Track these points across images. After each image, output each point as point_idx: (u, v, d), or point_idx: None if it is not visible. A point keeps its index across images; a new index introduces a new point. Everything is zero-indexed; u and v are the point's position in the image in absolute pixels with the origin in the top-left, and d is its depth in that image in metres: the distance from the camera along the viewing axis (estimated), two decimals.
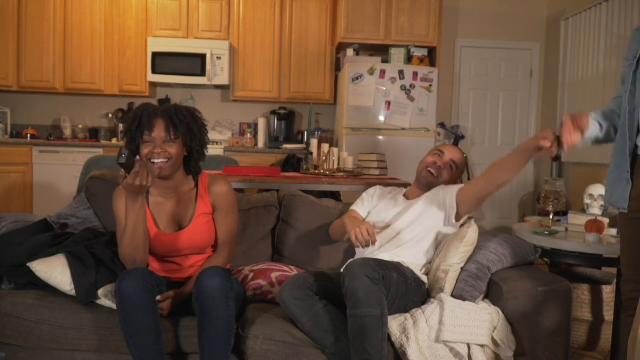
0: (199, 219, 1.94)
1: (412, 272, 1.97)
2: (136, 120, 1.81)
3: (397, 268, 1.89)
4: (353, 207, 2.30)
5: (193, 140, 1.87)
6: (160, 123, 1.80)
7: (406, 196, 2.24)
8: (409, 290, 1.90)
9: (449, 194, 2.08)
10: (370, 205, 2.27)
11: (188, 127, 1.85)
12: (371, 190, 2.34)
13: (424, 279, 2.01)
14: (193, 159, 1.91)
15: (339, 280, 1.93)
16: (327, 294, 1.86)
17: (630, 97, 1.76)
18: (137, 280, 1.66)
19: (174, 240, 1.91)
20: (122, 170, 1.68)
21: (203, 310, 1.67)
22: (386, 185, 3.06)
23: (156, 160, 1.80)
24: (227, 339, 1.69)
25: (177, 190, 1.95)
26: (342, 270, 1.93)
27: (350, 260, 1.88)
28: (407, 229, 2.09)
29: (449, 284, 1.95)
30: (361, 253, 2.14)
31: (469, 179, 5.55)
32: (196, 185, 1.99)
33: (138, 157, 1.67)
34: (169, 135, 1.80)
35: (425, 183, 2.18)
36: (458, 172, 2.22)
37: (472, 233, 1.96)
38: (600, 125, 1.89)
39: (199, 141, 1.89)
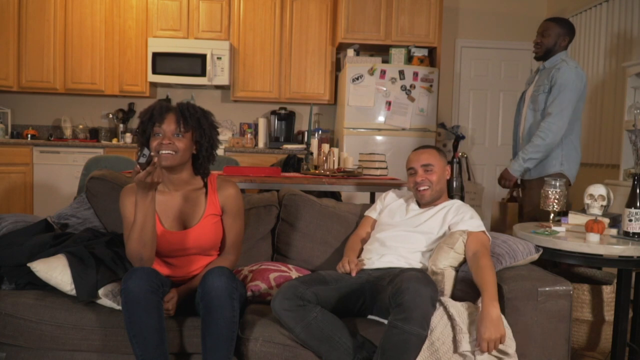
0: (208, 219, 1.95)
1: None
2: (148, 113, 1.87)
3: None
4: (366, 213, 2.34)
5: (202, 136, 1.90)
6: (171, 117, 1.86)
7: (419, 203, 2.23)
8: None
9: (459, 225, 2.04)
10: (381, 207, 2.31)
11: (198, 122, 1.89)
12: (384, 194, 2.37)
13: None
14: (202, 156, 1.93)
15: (335, 282, 1.93)
16: (321, 299, 1.84)
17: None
18: (142, 280, 1.66)
19: (180, 239, 1.91)
20: (137, 166, 1.69)
21: (208, 310, 1.68)
22: (386, 185, 3.06)
23: (164, 151, 1.83)
24: (231, 340, 1.70)
25: (183, 187, 1.96)
26: (362, 268, 1.98)
27: (410, 269, 1.87)
28: (414, 235, 2.09)
29: (448, 286, 1.95)
30: (368, 250, 2.14)
31: (469, 179, 5.55)
32: (205, 186, 2.00)
33: (155, 159, 1.71)
34: (178, 128, 1.84)
35: (429, 199, 2.18)
36: (439, 162, 2.18)
37: (461, 242, 1.96)
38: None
39: (208, 138, 1.92)
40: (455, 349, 1.72)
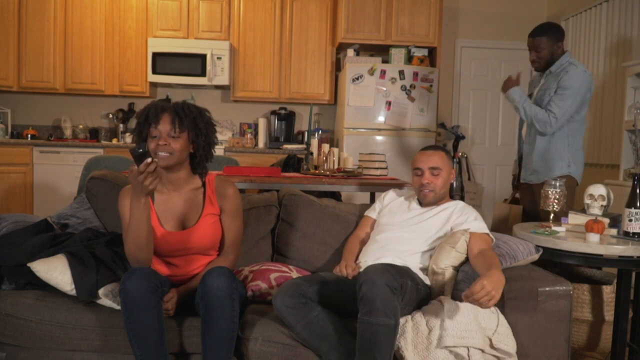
0: (206, 219, 1.94)
1: (419, 277, 1.98)
2: (144, 114, 1.86)
3: (410, 275, 1.89)
4: (365, 214, 2.33)
5: (198, 135, 1.89)
6: (166, 117, 1.85)
7: (420, 202, 2.23)
8: (419, 296, 1.91)
9: (463, 225, 2.05)
10: (381, 207, 2.31)
11: (194, 122, 1.88)
12: (383, 193, 2.36)
13: (428, 281, 2.02)
14: (199, 155, 1.92)
15: (335, 284, 1.93)
16: (323, 299, 1.84)
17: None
18: (141, 280, 1.66)
19: (179, 239, 1.91)
20: (134, 164, 1.65)
21: (208, 310, 1.67)
22: (386, 185, 3.06)
23: (160, 153, 1.83)
24: (231, 340, 1.70)
25: (182, 187, 1.96)
26: (359, 271, 1.94)
27: (369, 265, 1.87)
28: (415, 235, 2.09)
29: (448, 285, 1.95)
30: (365, 251, 2.14)
31: (469, 179, 5.55)
32: (203, 185, 2.00)
33: (149, 159, 1.65)
34: (173, 128, 1.83)
35: (431, 201, 2.18)
36: (446, 165, 2.17)
37: (464, 241, 1.97)
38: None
39: (205, 137, 1.91)
40: (440, 344, 1.71)
